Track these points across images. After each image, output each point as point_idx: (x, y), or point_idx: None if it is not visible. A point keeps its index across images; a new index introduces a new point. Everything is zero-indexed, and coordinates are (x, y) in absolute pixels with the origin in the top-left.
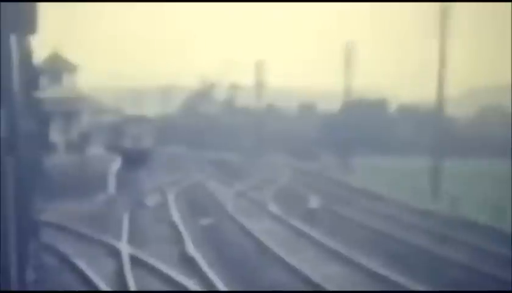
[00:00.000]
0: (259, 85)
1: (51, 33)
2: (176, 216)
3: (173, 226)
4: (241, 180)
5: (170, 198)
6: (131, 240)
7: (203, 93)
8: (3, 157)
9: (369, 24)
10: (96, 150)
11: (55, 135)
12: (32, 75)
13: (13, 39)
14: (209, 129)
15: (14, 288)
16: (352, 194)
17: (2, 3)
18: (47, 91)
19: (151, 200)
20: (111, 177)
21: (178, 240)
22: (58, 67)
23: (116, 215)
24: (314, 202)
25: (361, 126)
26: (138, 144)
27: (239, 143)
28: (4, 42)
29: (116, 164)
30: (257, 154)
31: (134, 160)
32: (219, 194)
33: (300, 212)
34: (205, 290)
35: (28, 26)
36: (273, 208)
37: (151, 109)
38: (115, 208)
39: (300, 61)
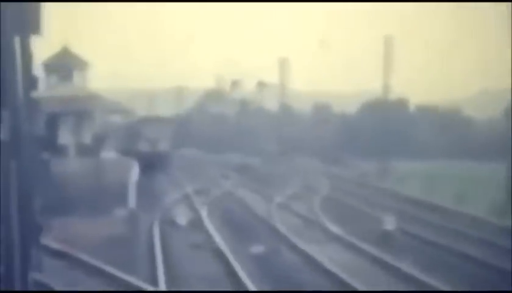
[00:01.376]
0: (282, 85)
1: (56, 34)
2: (218, 239)
3: (219, 256)
4: (275, 188)
5: (203, 213)
6: (171, 281)
7: (218, 93)
8: (7, 160)
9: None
10: (108, 154)
11: (65, 137)
12: (32, 76)
13: (16, 41)
14: (224, 130)
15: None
16: (417, 209)
17: (5, 3)
18: (55, 90)
19: (181, 217)
20: (131, 187)
21: (234, 279)
22: (68, 64)
23: (142, 239)
24: (389, 222)
25: (384, 128)
26: (155, 148)
27: (258, 145)
28: (7, 43)
29: (134, 171)
30: (280, 158)
31: (151, 164)
32: (257, 207)
33: (366, 233)
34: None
35: (32, 27)
36: (334, 228)
37: (162, 110)
38: (139, 228)
39: (322, 64)
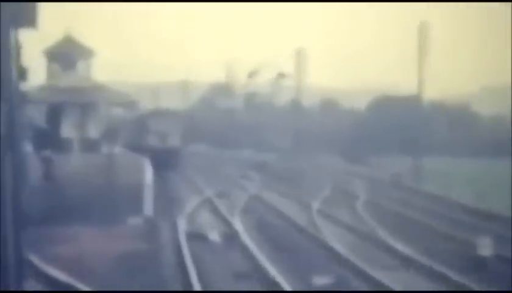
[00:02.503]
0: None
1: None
2: (267, 265)
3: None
4: (304, 190)
5: (238, 226)
6: None
7: (225, 87)
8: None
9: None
10: (114, 149)
11: (68, 131)
12: (22, 68)
13: (12, 34)
14: (232, 125)
15: (12, 284)
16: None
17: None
18: (58, 79)
19: (212, 231)
20: (147, 191)
21: None
22: (71, 52)
23: (166, 259)
24: (484, 246)
25: (398, 124)
26: (165, 143)
27: (269, 141)
28: (3, 37)
29: (148, 170)
30: (296, 155)
31: (160, 161)
32: (294, 215)
33: (446, 256)
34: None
35: (28, 20)
36: (400, 247)
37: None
38: (160, 243)
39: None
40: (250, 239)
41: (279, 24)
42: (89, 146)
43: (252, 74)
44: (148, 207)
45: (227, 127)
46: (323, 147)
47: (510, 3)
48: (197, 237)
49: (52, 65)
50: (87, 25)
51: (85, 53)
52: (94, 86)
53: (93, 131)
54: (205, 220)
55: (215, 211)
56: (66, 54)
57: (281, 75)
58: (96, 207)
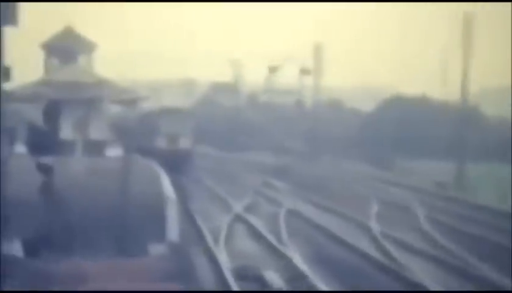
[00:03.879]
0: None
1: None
2: None
3: None
4: (346, 203)
5: (296, 258)
6: None
7: (230, 85)
8: None
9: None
10: (114, 151)
11: (69, 131)
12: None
13: None
14: (238, 125)
15: None
16: None
17: None
18: (57, 74)
19: (269, 271)
20: (170, 208)
21: None
22: (72, 45)
23: None
24: None
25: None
26: (175, 145)
27: (279, 143)
28: None
29: (165, 179)
30: (315, 159)
31: (171, 165)
32: (357, 241)
33: None
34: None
35: (9, 18)
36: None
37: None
38: (200, 287)
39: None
40: (322, 281)
41: (293, 20)
42: (92, 148)
43: (273, 70)
44: (172, 230)
45: (232, 127)
46: (340, 150)
47: (510, 3)
48: (248, 277)
49: (51, 59)
50: (86, 17)
51: (86, 46)
52: (97, 82)
53: (96, 132)
54: (248, 248)
55: (254, 234)
56: (66, 47)
57: (305, 71)
58: (106, 230)
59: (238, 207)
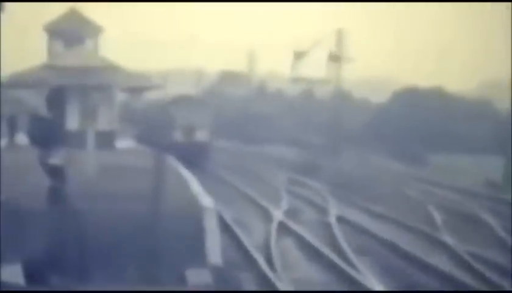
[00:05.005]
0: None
1: None
2: None
3: None
4: (399, 209)
5: (371, 283)
6: None
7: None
8: None
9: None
10: (125, 143)
11: (75, 121)
12: None
13: None
14: (249, 117)
15: None
16: None
17: None
18: (62, 58)
19: None
20: (210, 222)
21: None
22: (77, 28)
23: None
24: None
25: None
26: (192, 137)
27: (294, 135)
28: None
29: (194, 183)
30: (339, 154)
31: (186, 159)
32: (430, 257)
33: None
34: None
35: None
36: None
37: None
38: None
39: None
40: None
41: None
42: (101, 140)
43: (299, 55)
44: (215, 251)
45: (242, 118)
46: (360, 143)
47: (510, 3)
48: None
49: (54, 42)
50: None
51: (92, 29)
52: (106, 67)
53: (105, 121)
54: (309, 272)
55: (310, 251)
56: (71, 30)
57: (335, 57)
58: (131, 251)
59: (278, 213)
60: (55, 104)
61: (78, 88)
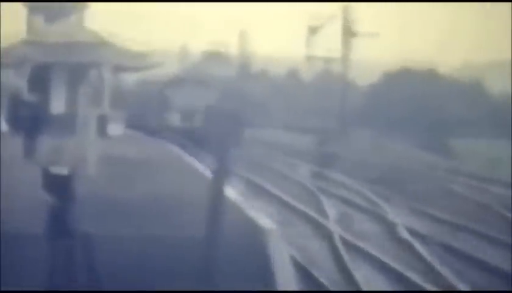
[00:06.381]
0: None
1: None
2: None
3: None
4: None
5: None
6: None
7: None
8: None
9: None
10: (116, 129)
11: (61, 103)
12: None
13: None
14: (235, 98)
15: None
16: None
17: None
18: (44, 34)
19: None
20: (276, 250)
21: None
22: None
23: None
24: None
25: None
26: (191, 122)
27: (288, 119)
28: None
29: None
30: (344, 139)
31: (184, 147)
32: None
33: None
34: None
35: None
36: None
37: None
38: None
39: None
40: None
41: None
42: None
43: (314, 30)
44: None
45: (228, 100)
46: (365, 127)
47: (510, 3)
48: None
49: (35, 17)
50: None
51: (77, 4)
52: (94, 42)
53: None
54: None
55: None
56: (53, 3)
57: (351, 34)
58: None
59: (331, 224)
60: (39, 85)
61: (64, 67)
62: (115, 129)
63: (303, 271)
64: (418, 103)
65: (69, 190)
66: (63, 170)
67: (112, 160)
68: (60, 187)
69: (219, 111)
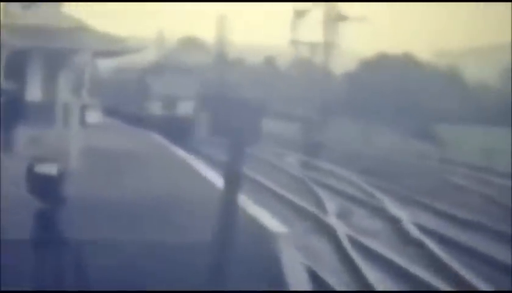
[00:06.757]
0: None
1: None
2: None
3: None
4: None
5: None
6: None
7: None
8: None
9: None
10: (95, 118)
11: (37, 91)
12: None
13: None
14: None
15: None
16: None
17: None
18: (20, 17)
19: None
20: (290, 257)
21: None
22: None
23: None
24: None
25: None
26: (173, 110)
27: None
28: None
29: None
30: (325, 128)
31: (166, 135)
32: None
33: None
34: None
35: None
36: None
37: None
38: None
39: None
40: None
41: None
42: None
43: (300, 14)
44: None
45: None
46: (346, 116)
47: (510, 3)
48: None
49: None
50: None
51: None
52: (73, 27)
53: (70, 91)
54: None
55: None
56: None
57: (341, 17)
58: None
59: (334, 220)
60: (14, 72)
61: (42, 53)
62: (93, 117)
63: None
64: (397, 91)
65: (58, 193)
66: (51, 170)
67: (94, 153)
68: (47, 189)
69: (234, 99)
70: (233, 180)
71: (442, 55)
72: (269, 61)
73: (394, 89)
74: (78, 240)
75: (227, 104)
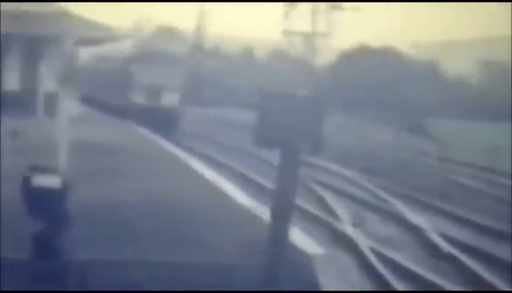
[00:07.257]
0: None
1: None
2: None
3: None
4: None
5: None
6: None
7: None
8: None
9: None
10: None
11: (15, 80)
12: None
13: None
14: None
15: None
16: None
17: None
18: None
19: None
20: (329, 281)
21: None
22: None
23: None
24: None
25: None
26: (157, 101)
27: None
28: None
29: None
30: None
31: (150, 127)
32: None
33: None
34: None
35: None
36: None
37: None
38: None
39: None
40: None
41: None
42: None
43: (292, 5)
44: None
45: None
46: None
47: (510, 3)
48: None
49: None
50: None
51: None
52: (53, 12)
53: (52, 80)
54: None
55: None
56: None
57: (336, 6)
58: None
59: (349, 229)
60: None
61: (20, 40)
62: (73, 107)
63: None
64: (379, 84)
65: (61, 209)
66: (54, 182)
67: (79, 148)
68: (48, 204)
69: (287, 96)
70: (284, 213)
71: (422, 48)
72: (248, 52)
73: (376, 82)
74: (79, 255)
75: (278, 103)
